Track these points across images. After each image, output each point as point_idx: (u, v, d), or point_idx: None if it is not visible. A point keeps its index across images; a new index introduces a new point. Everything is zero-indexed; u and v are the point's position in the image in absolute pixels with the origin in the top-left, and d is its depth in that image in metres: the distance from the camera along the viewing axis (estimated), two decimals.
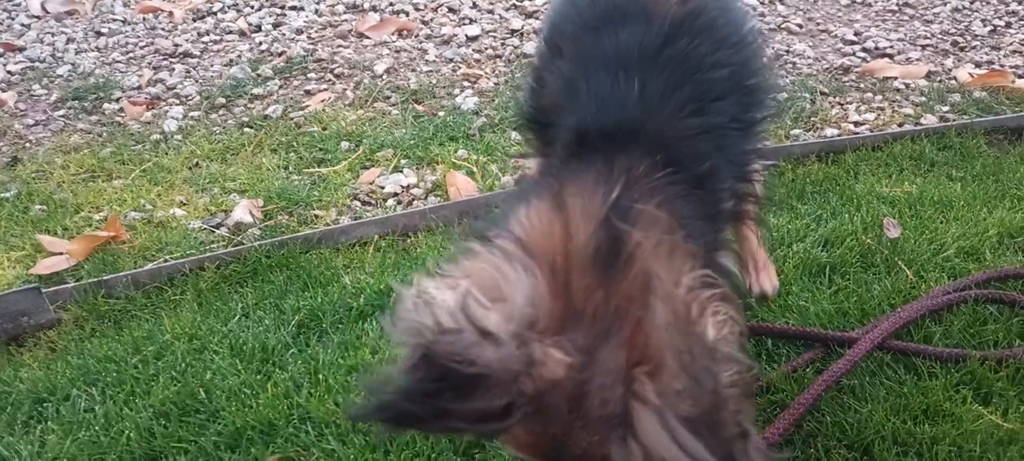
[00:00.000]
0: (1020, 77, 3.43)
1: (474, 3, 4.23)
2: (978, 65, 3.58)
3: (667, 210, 1.11)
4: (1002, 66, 3.55)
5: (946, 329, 1.94)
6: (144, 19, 4.14)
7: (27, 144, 3.15)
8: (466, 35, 3.91)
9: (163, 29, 4.03)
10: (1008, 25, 3.97)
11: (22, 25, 4.11)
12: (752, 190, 1.56)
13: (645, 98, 1.33)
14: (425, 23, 4.08)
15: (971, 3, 4.20)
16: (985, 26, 3.95)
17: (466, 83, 3.52)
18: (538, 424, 0.98)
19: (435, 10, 4.19)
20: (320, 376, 1.91)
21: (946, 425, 1.67)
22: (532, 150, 1.65)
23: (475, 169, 2.86)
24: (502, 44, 3.84)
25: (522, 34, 3.92)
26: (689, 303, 0.98)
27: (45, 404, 1.92)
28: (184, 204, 2.73)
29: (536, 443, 1.02)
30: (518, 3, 4.21)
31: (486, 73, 3.60)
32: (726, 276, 1.15)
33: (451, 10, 4.18)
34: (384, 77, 3.57)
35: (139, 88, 3.52)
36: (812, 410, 1.73)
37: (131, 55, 3.81)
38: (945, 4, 4.19)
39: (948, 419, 1.69)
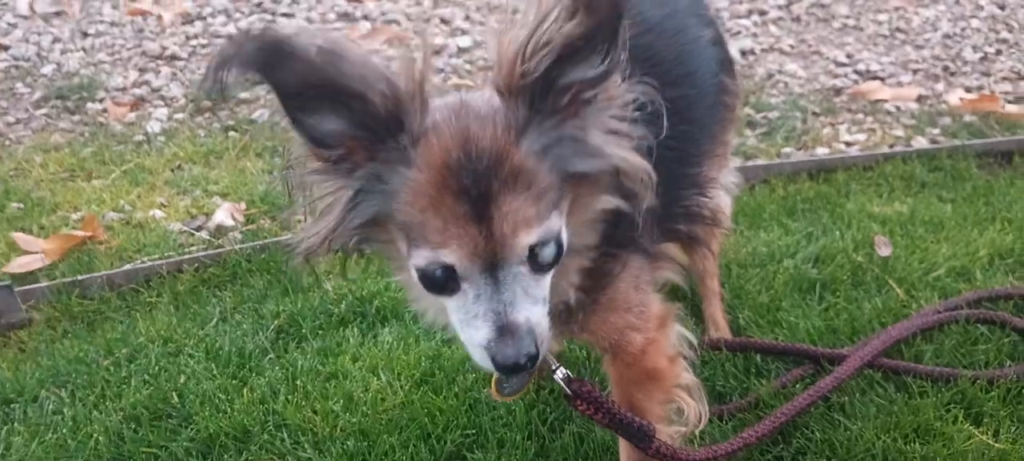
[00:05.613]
0: (1010, 103, 3.43)
1: (467, 16, 4.21)
2: (968, 90, 3.58)
3: None
4: (992, 92, 3.55)
5: (937, 348, 1.91)
6: (132, 22, 4.09)
7: (6, 142, 3.09)
8: (458, 46, 3.89)
9: (151, 32, 3.99)
10: (999, 52, 3.98)
11: (9, 24, 4.05)
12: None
13: None
14: (417, 33, 4.05)
15: (962, 30, 4.21)
16: (975, 53, 3.96)
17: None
18: (435, 143, 1.03)
19: (427, 21, 4.17)
20: (297, 382, 1.86)
21: (937, 444, 1.64)
22: None
23: None
24: None
25: None
26: None
27: (12, 406, 1.86)
28: (164, 206, 2.68)
29: (442, 168, 1.03)
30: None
31: (477, 84, 3.56)
32: None
33: (443, 21, 4.16)
34: None
35: (124, 89, 3.47)
36: (802, 427, 1.69)
37: (117, 56, 3.76)
38: (936, 30, 4.20)
39: (939, 438, 1.66)
